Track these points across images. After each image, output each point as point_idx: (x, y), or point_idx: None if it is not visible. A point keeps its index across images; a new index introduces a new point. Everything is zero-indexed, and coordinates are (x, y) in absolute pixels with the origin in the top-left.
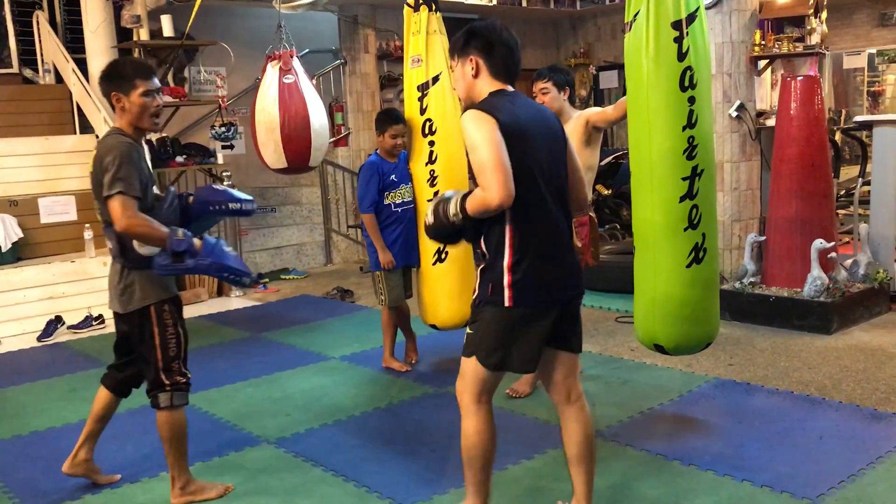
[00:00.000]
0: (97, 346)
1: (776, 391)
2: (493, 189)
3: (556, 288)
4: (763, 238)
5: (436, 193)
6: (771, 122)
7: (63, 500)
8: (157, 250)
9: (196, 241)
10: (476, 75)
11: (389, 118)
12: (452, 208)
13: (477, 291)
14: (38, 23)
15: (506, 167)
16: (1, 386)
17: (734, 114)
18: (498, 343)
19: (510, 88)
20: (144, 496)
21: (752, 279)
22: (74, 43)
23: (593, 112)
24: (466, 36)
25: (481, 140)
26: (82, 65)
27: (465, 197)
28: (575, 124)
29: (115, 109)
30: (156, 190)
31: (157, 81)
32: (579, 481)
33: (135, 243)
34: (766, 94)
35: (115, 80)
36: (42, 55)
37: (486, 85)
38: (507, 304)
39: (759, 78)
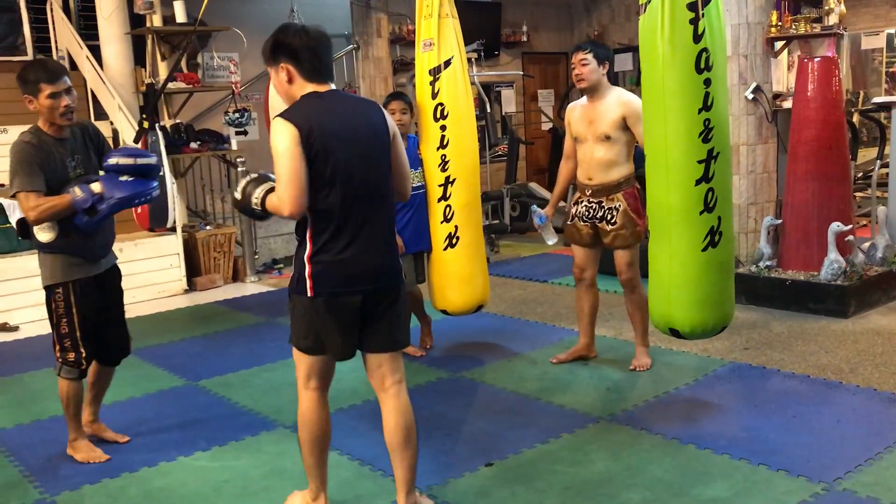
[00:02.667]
0: None
1: (792, 375)
2: (286, 201)
3: (357, 280)
4: (779, 221)
5: (447, 178)
6: (787, 104)
7: (82, 484)
8: (53, 235)
9: (95, 187)
10: (290, 81)
11: (388, 97)
12: (255, 197)
13: (290, 282)
14: (51, 10)
15: (299, 182)
16: (19, 371)
17: (750, 96)
18: (307, 330)
19: (325, 88)
20: (162, 480)
21: (768, 263)
22: (88, 30)
23: (635, 119)
24: (271, 47)
25: (280, 152)
26: (96, 51)
27: (268, 192)
28: (614, 107)
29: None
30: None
31: (66, 81)
32: (398, 468)
33: (34, 230)
34: (782, 76)
35: (23, 84)
36: (56, 42)
37: (301, 89)
38: (308, 293)
39: (776, 59)
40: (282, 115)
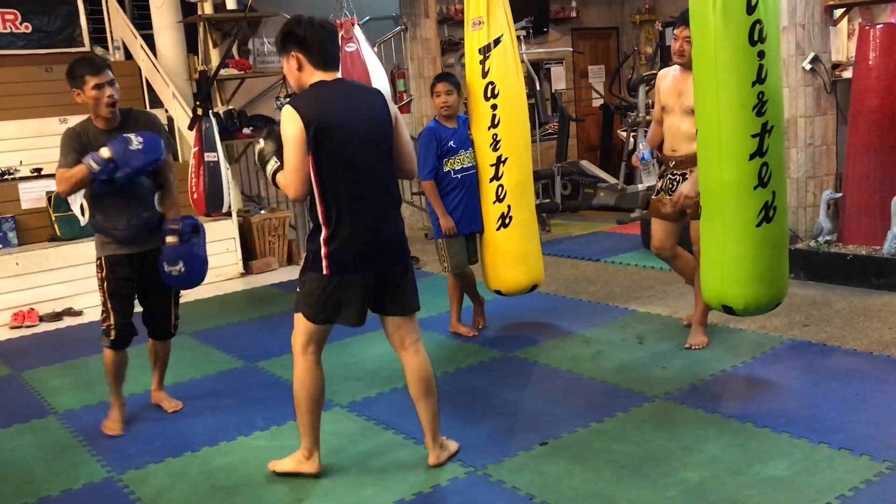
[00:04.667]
0: None
1: (854, 352)
2: (290, 188)
3: (369, 258)
4: (839, 195)
5: (499, 158)
6: (847, 73)
7: (147, 463)
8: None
9: (104, 151)
10: (300, 69)
11: (434, 79)
12: (269, 170)
13: (303, 261)
14: (106, 1)
15: (302, 171)
16: (85, 355)
17: (808, 67)
18: (318, 303)
19: (331, 77)
20: (222, 459)
21: (827, 237)
22: (141, 19)
23: None
24: (283, 37)
25: (288, 141)
26: (150, 40)
27: (277, 170)
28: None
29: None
30: None
31: (108, 74)
32: (422, 416)
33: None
34: (842, 45)
35: (71, 79)
36: (111, 33)
37: (310, 76)
38: (324, 272)
39: (835, 28)
40: (290, 103)
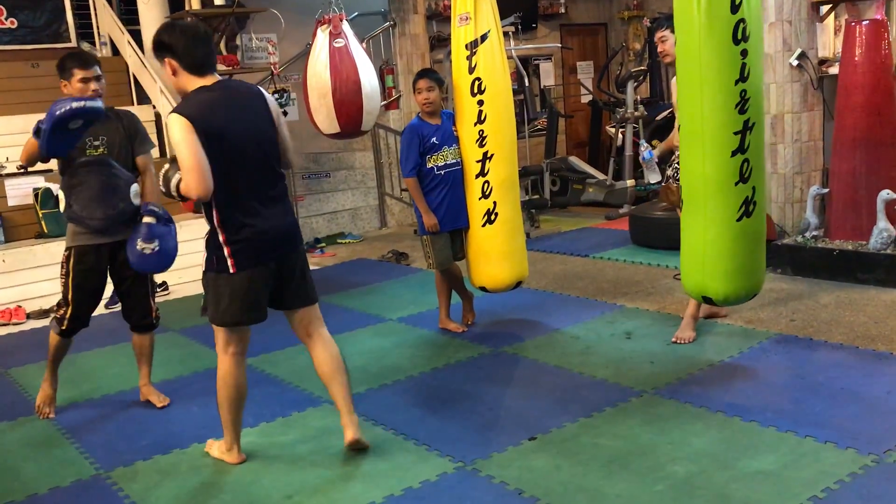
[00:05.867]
0: (161, 311)
1: (840, 346)
2: (192, 187)
3: (270, 249)
4: (826, 190)
5: (485, 154)
6: (834, 69)
7: (136, 460)
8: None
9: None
10: (175, 74)
11: (416, 75)
12: (173, 185)
13: (205, 263)
14: None
15: (200, 167)
16: (73, 351)
17: (795, 63)
18: (228, 303)
19: (211, 80)
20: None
21: (814, 233)
22: (129, 14)
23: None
24: (154, 45)
25: (177, 142)
26: (137, 36)
27: (179, 181)
28: None
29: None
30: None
31: (96, 70)
32: (336, 395)
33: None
34: (828, 41)
35: (61, 71)
36: (98, 28)
37: (187, 80)
38: (231, 270)
39: (822, 24)
40: (174, 110)
